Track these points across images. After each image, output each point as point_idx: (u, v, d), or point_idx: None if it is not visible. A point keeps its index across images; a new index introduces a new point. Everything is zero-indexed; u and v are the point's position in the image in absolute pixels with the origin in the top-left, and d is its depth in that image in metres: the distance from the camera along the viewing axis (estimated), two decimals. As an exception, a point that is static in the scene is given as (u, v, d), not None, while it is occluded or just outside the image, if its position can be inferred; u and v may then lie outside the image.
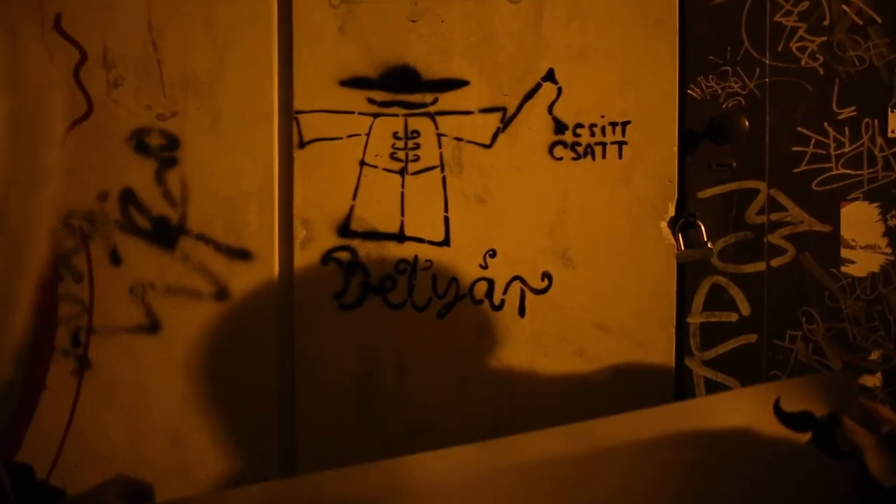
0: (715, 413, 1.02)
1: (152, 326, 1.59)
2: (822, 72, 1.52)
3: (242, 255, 1.56)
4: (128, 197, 1.58)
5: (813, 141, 1.52)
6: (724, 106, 1.52)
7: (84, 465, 1.62)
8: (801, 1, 1.51)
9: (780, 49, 1.52)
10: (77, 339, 1.60)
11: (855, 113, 1.52)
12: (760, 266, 1.53)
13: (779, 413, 0.99)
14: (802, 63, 1.52)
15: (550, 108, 1.51)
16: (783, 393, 0.99)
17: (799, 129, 1.53)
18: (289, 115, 1.55)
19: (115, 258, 1.59)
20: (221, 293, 1.57)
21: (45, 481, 1.37)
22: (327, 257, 1.55)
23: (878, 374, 1.54)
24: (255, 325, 1.57)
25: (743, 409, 1.00)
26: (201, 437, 1.60)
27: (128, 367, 1.59)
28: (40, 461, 1.61)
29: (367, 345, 1.56)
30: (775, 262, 1.54)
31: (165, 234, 1.57)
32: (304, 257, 1.55)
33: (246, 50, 1.55)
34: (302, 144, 1.54)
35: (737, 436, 0.99)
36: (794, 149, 1.53)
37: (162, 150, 1.57)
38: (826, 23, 1.51)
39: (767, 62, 1.52)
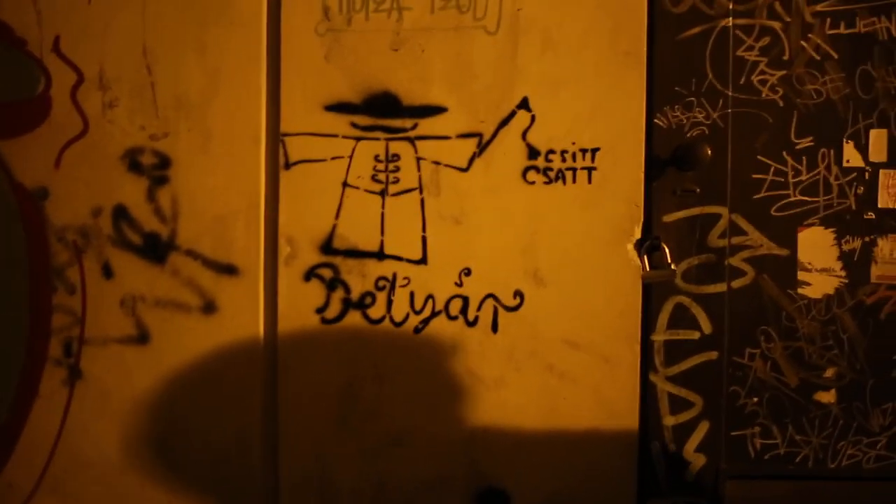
0: None
1: (142, 338, 1.65)
2: (781, 104, 1.61)
3: (229, 270, 1.63)
4: (120, 213, 1.65)
5: (772, 169, 1.61)
6: (688, 135, 1.61)
7: (73, 472, 1.68)
8: (763, 36, 1.60)
9: (742, 82, 1.61)
10: (69, 349, 1.66)
11: (812, 143, 1.61)
12: (722, 287, 1.61)
13: None
14: (763, 95, 1.61)
15: (524, 135, 1.59)
16: None
17: (759, 157, 1.61)
18: (276, 138, 1.63)
19: (108, 271, 1.66)
20: (209, 306, 1.64)
21: None
22: (310, 274, 1.63)
23: (832, 391, 1.63)
24: (240, 338, 1.64)
25: None
26: (187, 444, 1.67)
27: (118, 377, 1.66)
28: (31, 467, 1.68)
29: (347, 358, 1.63)
30: (736, 284, 1.62)
31: (156, 249, 1.64)
32: (289, 273, 1.63)
33: (236, 75, 1.63)
34: (288, 165, 1.62)
35: None
36: (754, 176, 1.61)
37: (154, 169, 1.64)
38: (786, 57, 1.60)
39: (730, 94, 1.60)
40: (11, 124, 1.66)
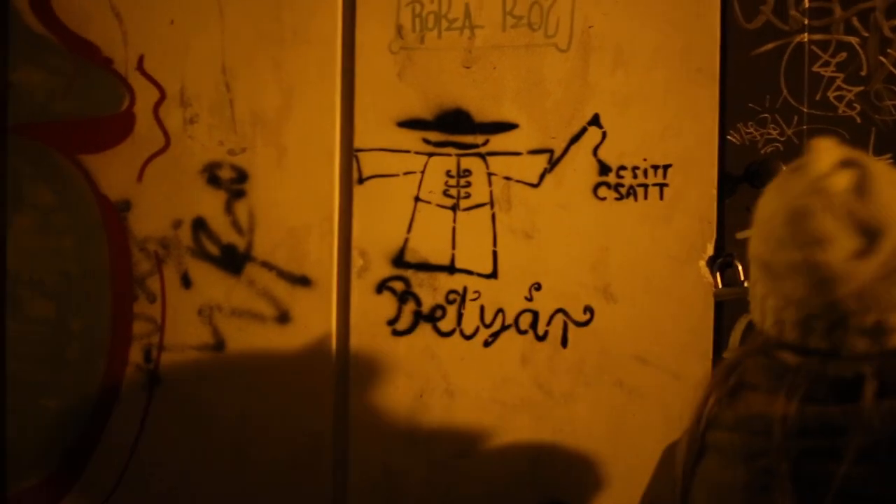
0: None
1: (218, 346, 1.71)
2: (859, 120, 1.58)
3: (303, 281, 1.68)
4: (199, 225, 1.71)
5: (849, 186, 1.58)
6: (762, 151, 1.59)
7: (151, 473, 1.73)
8: (839, 52, 1.58)
9: (817, 98, 1.58)
10: (149, 355, 1.72)
11: (891, 160, 1.57)
12: (796, 305, 1.58)
13: None
14: (840, 111, 1.58)
15: (595, 151, 1.60)
16: None
17: (835, 174, 1.58)
18: (349, 153, 1.67)
19: (187, 281, 1.71)
20: (283, 317, 1.68)
21: None
22: (382, 286, 1.66)
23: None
24: (313, 348, 1.68)
25: None
26: (260, 451, 1.71)
27: (194, 383, 1.71)
28: (111, 467, 1.74)
29: (418, 369, 1.65)
30: (811, 302, 1.59)
31: (233, 261, 1.70)
32: (361, 286, 1.66)
33: (311, 92, 1.68)
34: (361, 180, 1.66)
35: None
36: (830, 193, 1.58)
37: (232, 183, 1.70)
38: (863, 73, 1.58)
39: (805, 110, 1.58)
40: (97, 139, 1.74)
